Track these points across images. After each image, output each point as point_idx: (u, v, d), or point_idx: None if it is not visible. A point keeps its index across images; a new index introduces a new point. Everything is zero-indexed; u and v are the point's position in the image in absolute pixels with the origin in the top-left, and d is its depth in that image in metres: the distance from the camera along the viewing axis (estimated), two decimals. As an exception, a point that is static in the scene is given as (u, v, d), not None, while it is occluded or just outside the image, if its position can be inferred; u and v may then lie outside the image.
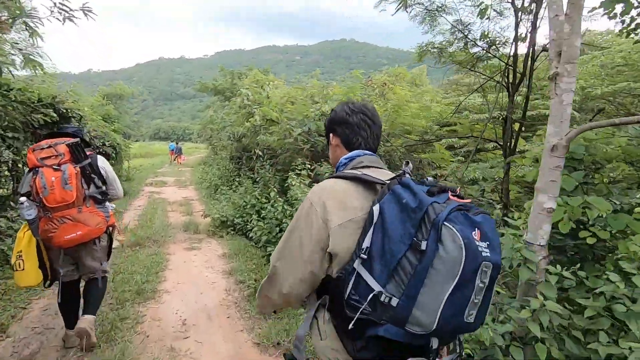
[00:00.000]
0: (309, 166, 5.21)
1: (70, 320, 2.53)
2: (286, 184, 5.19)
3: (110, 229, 2.61)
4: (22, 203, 2.16)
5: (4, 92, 4.39)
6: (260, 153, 5.95)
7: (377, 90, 7.03)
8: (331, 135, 1.19)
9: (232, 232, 5.81)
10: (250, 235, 5.28)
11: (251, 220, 5.43)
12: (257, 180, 6.46)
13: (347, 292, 0.89)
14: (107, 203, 2.52)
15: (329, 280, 0.97)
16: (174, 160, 22.73)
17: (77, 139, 2.39)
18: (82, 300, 2.59)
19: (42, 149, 2.27)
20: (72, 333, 2.46)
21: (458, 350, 0.94)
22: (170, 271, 4.28)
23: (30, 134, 6.44)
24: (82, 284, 2.63)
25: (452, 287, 0.77)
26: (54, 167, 2.22)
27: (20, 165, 6.05)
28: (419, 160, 5.35)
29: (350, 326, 0.86)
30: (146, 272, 4.14)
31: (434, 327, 0.78)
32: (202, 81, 19.64)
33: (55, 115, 6.23)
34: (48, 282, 2.40)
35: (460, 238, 0.77)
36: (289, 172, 5.27)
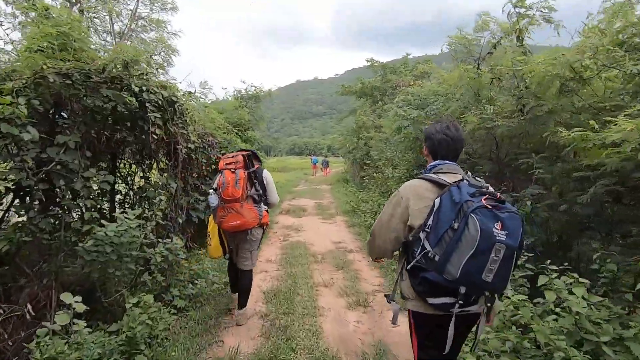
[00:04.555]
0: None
1: (234, 288, 3.34)
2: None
3: (265, 226, 3.18)
4: (211, 194, 2.97)
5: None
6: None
7: None
8: (425, 146, 1.71)
9: None
10: None
11: None
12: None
13: (413, 251, 1.47)
14: (262, 205, 3.06)
15: (406, 244, 1.54)
16: (320, 171, 25.41)
17: (250, 152, 3.15)
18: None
19: (229, 157, 3.08)
20: (235, 297, 3.27)
21: (486, 302, 1.43)
22: None
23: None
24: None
25: (470, 253, 1.27)
26: (232, 170, 2.94)
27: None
28: None
29: (407, 268, 1.50)
30: None
31: (457, 276, 1.30)
32: (346, 85, 16.54)
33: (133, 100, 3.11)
34: (227, 255, 3.18)
35: (478, 224, 1.26)
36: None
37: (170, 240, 3.61)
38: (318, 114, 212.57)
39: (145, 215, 3.40)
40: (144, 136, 3.62)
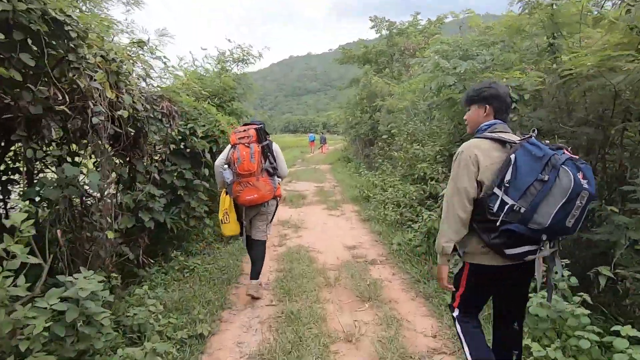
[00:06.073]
0: None
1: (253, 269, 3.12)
2: None
3: (278, 198, 3.25)
4: (225, 169, 2.95)
5: None
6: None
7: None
8: (487, 105, 1.68)
9: None
10: None
11: None
12: None
13: (489, 207, 1.48)
14: (276, 177, 3.09)
15: (475, 201, 1.54)
16: (318, 149, 24.57)
17: (262, 125, 3.10)
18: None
19: (240, 131, 3.02)
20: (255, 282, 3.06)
21: (557, 247, 1.53)
22: None
23: None
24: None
25: (562, 202, 1.34)
26: (246, 144, 2.93)
27: None
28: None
29: (498, 224, 1.45)
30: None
31: (547, 225, 1.37)
32: (346, 49, 14.55)
33: None
34: (243, 231, 3.14)
35: (571, 175, 1.34)
36: None
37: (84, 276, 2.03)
38: (312, 90, 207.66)
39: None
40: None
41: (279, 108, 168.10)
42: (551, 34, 3.64)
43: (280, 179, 3.19)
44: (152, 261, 3.59)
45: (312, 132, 30.24)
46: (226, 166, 2.96)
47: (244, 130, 3.02)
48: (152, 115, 3.36)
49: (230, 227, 3.02)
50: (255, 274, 3.09)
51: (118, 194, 3.40)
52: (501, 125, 1.64)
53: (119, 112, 2.66)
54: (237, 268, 3.69)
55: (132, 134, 3.18)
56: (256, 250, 3.15)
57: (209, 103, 4.87)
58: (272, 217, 3.24)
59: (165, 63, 4.22)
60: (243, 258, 3.99)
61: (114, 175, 3.44)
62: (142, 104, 3.17)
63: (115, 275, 2.72)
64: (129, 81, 2.86)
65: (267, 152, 3.03)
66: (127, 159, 3.49)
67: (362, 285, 3.19)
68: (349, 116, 14.10)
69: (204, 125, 4.21)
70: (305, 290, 3.09)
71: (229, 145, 3.06)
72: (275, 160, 3.08)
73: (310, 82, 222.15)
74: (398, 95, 7.64)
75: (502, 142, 1.54)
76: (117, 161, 3.45)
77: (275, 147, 3.15)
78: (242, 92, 8.91)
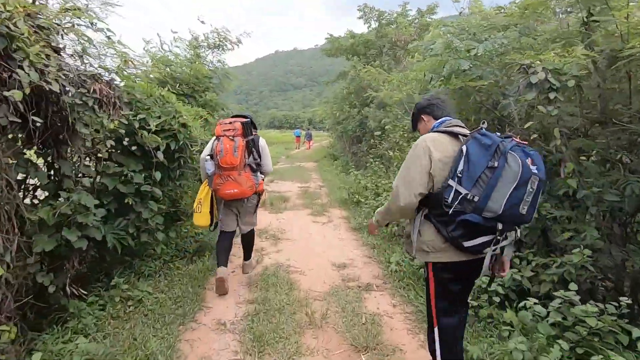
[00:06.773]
0: None
1: (221, 259, 3.01)
2: None
3: (260, 193, 3.18)
4: (207, 160, 2.92)
5: None
6: None
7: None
8: (422, 116, 1.78)
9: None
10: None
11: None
12: None
13: (444, 199, 1.45)
14: (259, 174, 3.05)
15: (428, 196, 1.53)
16: (303, 144, 24.77)
17: (249, 119, 3.04)
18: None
19: (226, 123, 2.98)
20: (220, 270, 2.97)
21: (516, 236, 1.53)
22: None
23: None
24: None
25: (512, 187, 1.34)
26: (230, 137, 2.89)
27: None
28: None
29: (450, 212, 1.43)
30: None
31: (500, 212, 1.36)
32: (333, 38, 13.69)
33: None
34: (213, 225, 3.08)
35: (519, 159, 1.35)
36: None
37: None
38: (298, 86, 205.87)
39: None
40: None
41: (264, 103, 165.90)
42: (588, 8, 2.99)
43: (263, 176, 3.15)
44: (84, 293, 2.77)
45: (297, 128, 29.76)
46: (209, 157, 2.92)
47: (230, 123, 2.97)
48: (79, 102, 2.53)
49: (201, 218, 2.98)
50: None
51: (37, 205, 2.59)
52: (454, 121, 1.68)
53: (8, 93, 1.83)
54: (198, 298, 2.90)
55: (49, 124, 2.36)
56: (245, 240, 3.33)
57: (168, 90, 4.03)
58: (255, 209, 3.24)
59: (109, 37, 3.36)
60: (206, 283, 3.20)
61: (35, 180, 2.63)
62: (64, 86, 2.36)
63: (7, 327, 1.91)
64: (30, 50, 2.02)
65: (251, 147, 2.98)
66: (49, 158, 2.67)
67: (356, 325, 2.46)
68: (335, 111, 13.34)
69: (159, 117, 3.38)
70: (282, 335, 2.34)
71: (214, 137, 3.00)
72: (259, 157, 3.05)
73: (296, 78, 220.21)
74: (391, 87, 6.94)
75: (455, 135, 1.57)
76: (40, 161, 2.64)
77: (262, 142, 3.10)
78: (219, 81, 8.01)
